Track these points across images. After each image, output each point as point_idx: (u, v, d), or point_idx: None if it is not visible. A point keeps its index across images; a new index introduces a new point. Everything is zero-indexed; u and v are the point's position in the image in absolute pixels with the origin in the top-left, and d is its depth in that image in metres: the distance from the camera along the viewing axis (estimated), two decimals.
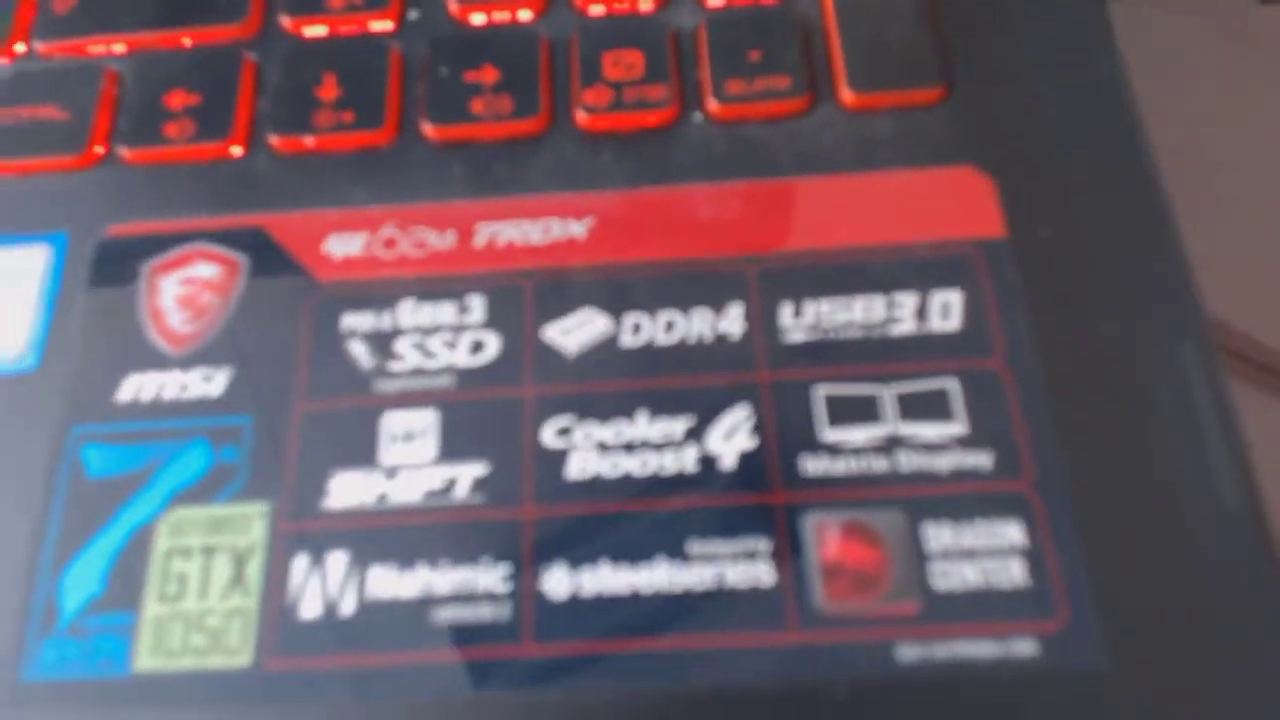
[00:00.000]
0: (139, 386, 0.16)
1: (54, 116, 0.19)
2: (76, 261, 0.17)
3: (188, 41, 0.19)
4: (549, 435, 0.15)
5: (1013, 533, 0.14)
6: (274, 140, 0.18)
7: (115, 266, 0.17)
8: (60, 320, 0.17)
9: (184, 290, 0.17)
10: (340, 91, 0.18)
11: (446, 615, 0.14)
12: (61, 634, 0.15)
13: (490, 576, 0.15)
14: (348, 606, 0.15)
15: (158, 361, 0.16)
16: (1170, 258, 0.16)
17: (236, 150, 0.18)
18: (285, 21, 0.19)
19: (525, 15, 0.19)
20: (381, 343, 0.16)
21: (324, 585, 0.15)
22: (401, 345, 0.16)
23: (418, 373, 0.16)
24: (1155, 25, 0.24)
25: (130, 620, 0.15)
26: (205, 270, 0.17)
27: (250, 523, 0.15)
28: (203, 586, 0.15)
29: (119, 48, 0.19)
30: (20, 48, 0.20)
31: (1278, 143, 0.23)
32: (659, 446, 0.15)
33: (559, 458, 0.15)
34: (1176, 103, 0.23)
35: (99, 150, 0.18)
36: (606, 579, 0.14)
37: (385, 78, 0.18)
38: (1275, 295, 0.22)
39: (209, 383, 0.16)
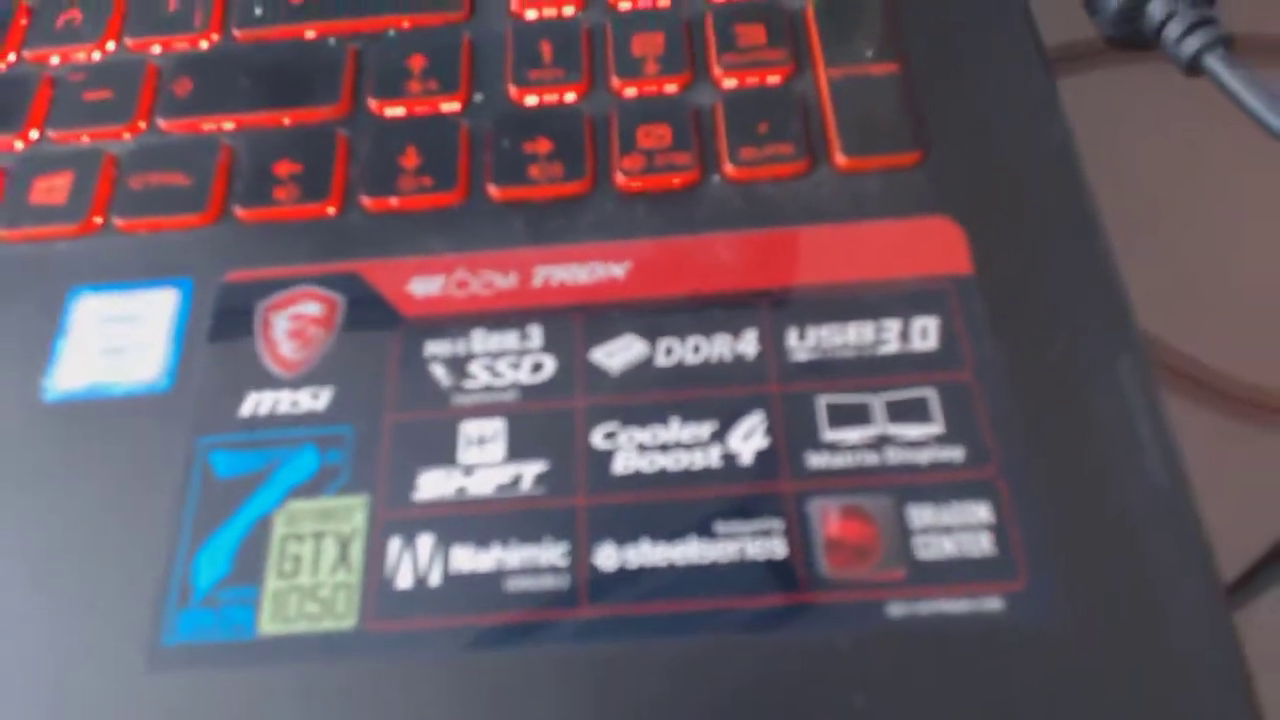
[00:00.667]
0: (257, 403, 0.19)
1: (178, 182, 0.22)
2: (201, 302, 0.21)
3: (287, 121, 0.23)
4: (598, 438, 0.19)
5: (982, 512, 0.17)
6: (365, 201, 0.22)
7: (234, 306, 0.21)
8: (188, 350, 0.20)
9: (293, 325, 0.20)
10: (420, 160, 0.22)
11: (516, 585, 0.17)
12: (196, 605, 0.18)
13: (551, 553, 0.18)
14: (435, 578, 0.18)
15: (272, 382, 0.20)
16: (1109, 288, 0.19)
17: (332, 210, 0.22)
18: (371, 103, 0.23)
19: (570, 97, 0.23)
20: (457, 365, 0.20)
21: (415, 562, 0.18)
22: (474, 367, 0.20)
23: (488, 389, 0.19)
24: (1109, 86, 0.28)
25: (254, 593, 0.18)
26: (310, 308, 0.20)
27: (352, 512, 0.18)
28: (314, 565, 0.18)
29: (229, 125, 0.23)
30: (142, 125, 0.23)
31: (1219, 190, 0.27)
32: (689, 446, 0.18)
33: (606, 457, 0.18)
34: (1128, 155, 0.26)
35: (217, 210, 0.22)
36: (648, 553, 0.18)
37: (457, 149, 0.22)
38: (1213, 321, 0.25)
39: (316, 399, 0.19)
